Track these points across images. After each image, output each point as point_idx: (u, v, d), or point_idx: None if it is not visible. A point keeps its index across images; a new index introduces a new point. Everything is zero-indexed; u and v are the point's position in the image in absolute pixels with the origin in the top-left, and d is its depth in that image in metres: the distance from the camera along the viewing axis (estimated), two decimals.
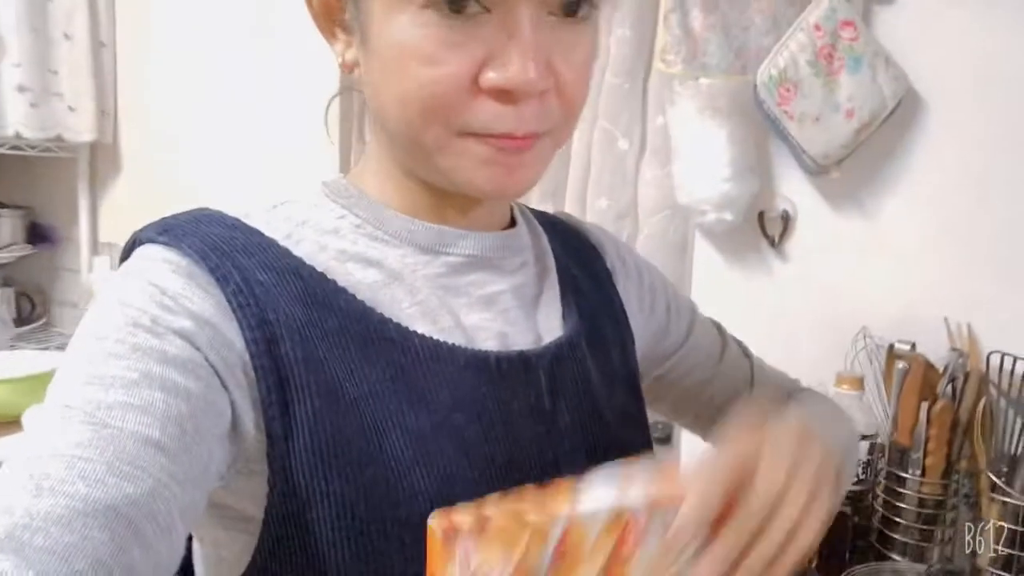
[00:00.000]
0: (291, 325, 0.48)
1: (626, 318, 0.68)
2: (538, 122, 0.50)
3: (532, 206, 0.71)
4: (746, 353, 0.80)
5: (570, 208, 1.49)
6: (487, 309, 0.57)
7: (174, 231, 0.50)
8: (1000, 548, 1.07)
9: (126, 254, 0.51)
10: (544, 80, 0.49)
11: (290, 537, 0.47)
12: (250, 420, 0.47)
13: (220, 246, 0.49)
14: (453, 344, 0.53)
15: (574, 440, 0.57)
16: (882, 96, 1.20)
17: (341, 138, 1.54)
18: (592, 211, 1.48)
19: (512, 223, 0.62)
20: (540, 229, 0.66)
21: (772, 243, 1.34)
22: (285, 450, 0.47)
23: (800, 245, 1.33)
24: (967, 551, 1.15)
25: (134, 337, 0.44)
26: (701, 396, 0.78)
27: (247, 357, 0.47)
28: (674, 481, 0.46)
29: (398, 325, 0.52)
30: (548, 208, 0.83)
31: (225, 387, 0.46)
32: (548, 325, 0.60)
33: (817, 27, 1.20)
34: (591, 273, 0.68)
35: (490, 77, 0.48)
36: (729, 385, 0.78)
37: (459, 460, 0.51)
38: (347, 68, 0.54)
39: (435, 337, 0.53)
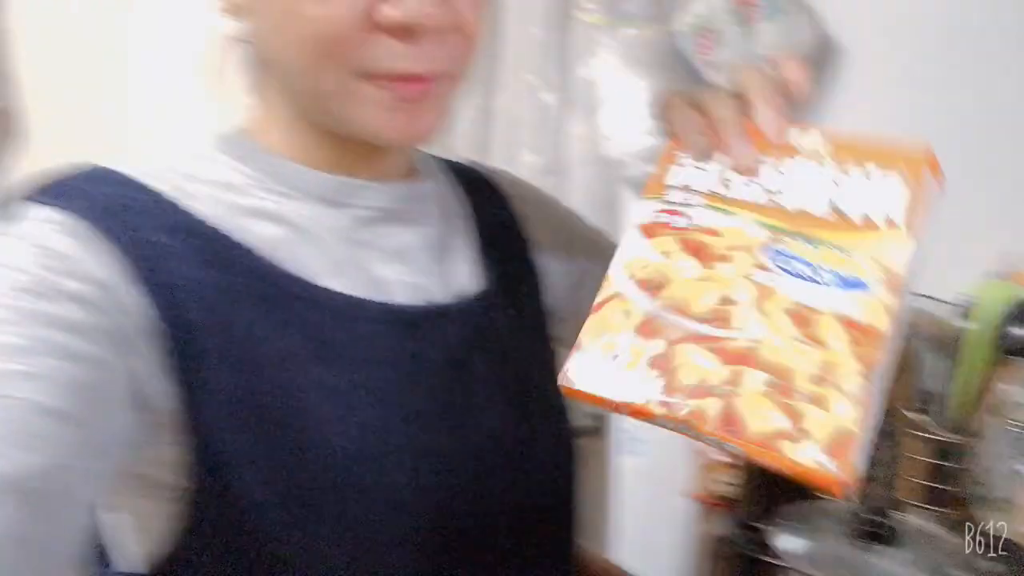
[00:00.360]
0: (193, 289, 0.47)
1: (535, 263, 0.68)
2: (438, 61, 0.49)
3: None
4: None
5: (498, 165, 1.47)
6: (397, 262, 0.56)
7: (62, 191, 0.47)
8: (919, 482, 1.12)
9: (9, 216, 0.48)
10: (443, 15, 0.48)
11: (217, 504, 0.47)
12: (157, 387, 0.46)
13: (112, 206, 0.47)
14: (365, 299, 0.53)
15: (490, 389, 0.57)
16: (800, 42, 1.20)
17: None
18: (519, 167, 1.46)
19: (416, 173, 0.61)
20: (445, 177, 0.65)
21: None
22: (199, 418, 0.46)
23: None
24: (890, 488, 1.19)
25: (25, 302, 0.42)
26: None
27: (147, 323, 0.45)
28: None
29: (306, 282, 0.51)
30: None
31: (126, 352, 0.44)
32: (459, 275, 0.60)
33: None
34: (499, 219, 0.67)
35: (386, 12, 0.46)
36: None
37: (378, 415, 0.51)
38: (231, 12, 0.52)
39: (346, 292, 0.52)
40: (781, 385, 0.41)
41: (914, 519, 1.03)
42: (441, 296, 0.57)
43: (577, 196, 1.46)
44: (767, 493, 1.17)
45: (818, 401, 0.40)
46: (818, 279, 0.44)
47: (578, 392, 0.47)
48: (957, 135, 1.21)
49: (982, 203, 1.21)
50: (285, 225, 0.52)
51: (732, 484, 1.26)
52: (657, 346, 0.45)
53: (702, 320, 0.45)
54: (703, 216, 0.49)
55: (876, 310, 0.42)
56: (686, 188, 0.51)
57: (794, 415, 0.41)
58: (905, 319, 0.44)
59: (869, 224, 0.45)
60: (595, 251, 0.73)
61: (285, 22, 0.47)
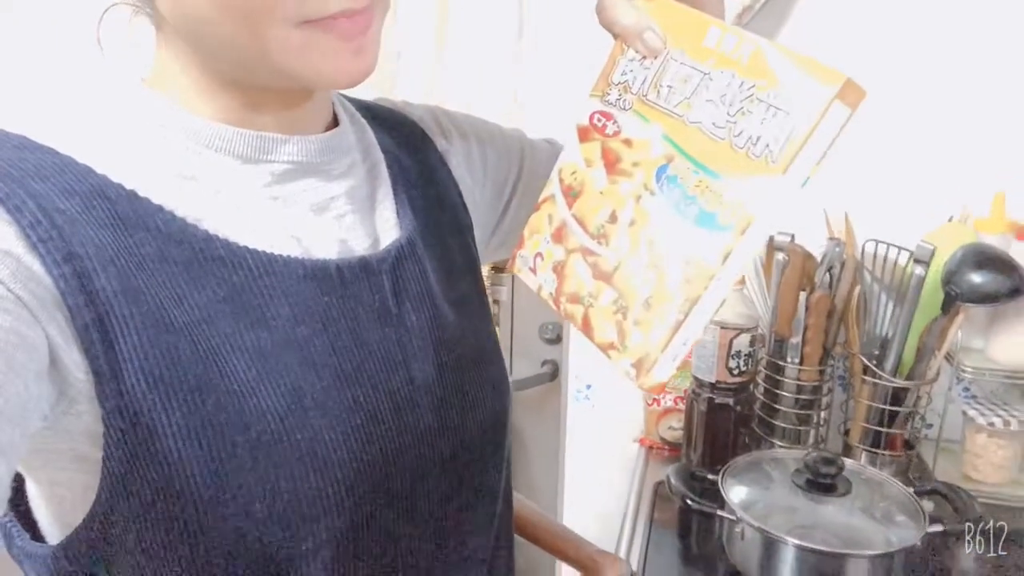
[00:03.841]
0: (103, 255, 0.45)
1: (461, 198, 0.68)
2: None
3: None
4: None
5: None
6: (320, 216, 0.55)
7: None
8: (869, 426, 1.12)
9: None
10: None
11: (136, 473, 0.45)
12: (70, 358, 0.44)
13: (8, 172, 0.44)
14: (288, 256, 0.51)
15: (421, 339, 0.57)
16: None
17: None
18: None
19: (335, 123, 0.59)
20: (364, 122, 0.63)
21: None
22: (116, 388, 0.44)
23: None
24: (841, 432, 1.19)
25: None
26: None
27: (57, 293, 0.43)
28: None
29: (226, 241, 0.49)
30: None
31: (37, 320, 0.42)
32: (384, 226, 0.59)
33: None
34: (420, 158, 0.66)
35: None
36: None
37: (306, 373, 0.50)
38: None
39: (268, 251, 0.50)
40: (622, 305, 0.51)
41: (862, 465, 1.03)
42: (366, 248, 0.56)
43: None
44: (714, 443, 1.16)
45: (641, 324, 0.50)
46: (682, 214, 0.49)
47: (517, 277, 0.59)
48: (913, 80, 1.19)
49: (943, 148, 1.20)
50: (202, 184, 0.50)
51: (679, 430, 1.25)
52: (559, 252, 0.56)
53: (592, 236, 0.54)
54: (627, 123, 0.53)
55: (716, 251, 0.47)
56: (624, 87, 0.54)
57: (622, 332, 0.51)
58: (755, 254, 0.50)
59: (750, 155, 0.47)
60: (509, 159, 0.74)
61: None
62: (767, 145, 0.46)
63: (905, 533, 0.88)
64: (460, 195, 0.68)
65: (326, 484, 0.49)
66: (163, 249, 0.47)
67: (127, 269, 0.45)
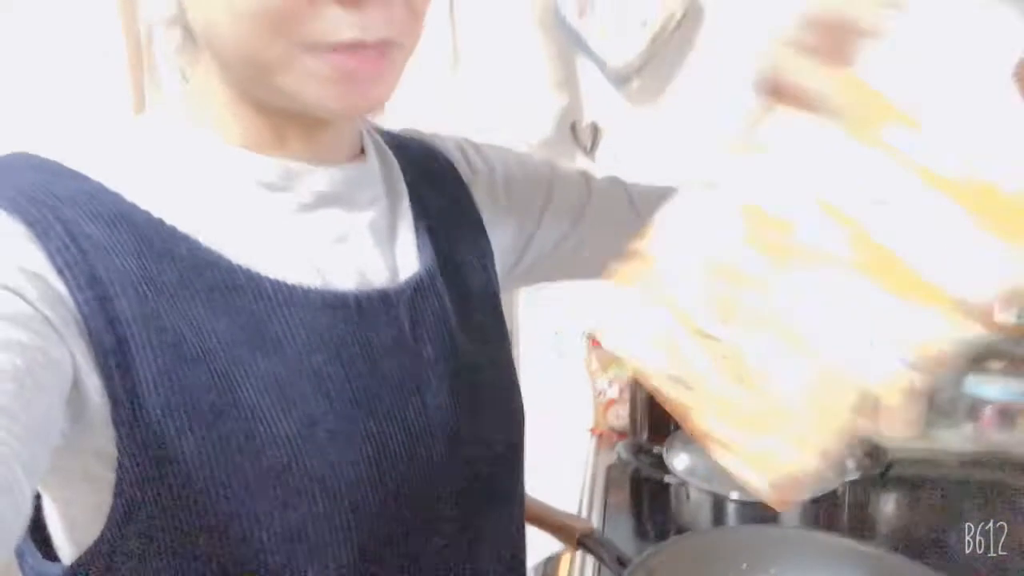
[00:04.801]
0: (125, 281, 0.45)
1: (484, 231, 0.67)
2: (387, 27, 0.47)
3: None
4: (617, 182, 0.78)
5: None
6: (341, 246, 0.55)
7: None
8: None
9: None
10: None
11: (147, 497, 0.46)
12: (91, 381, 0.45)
13: (38, 196, 0.45)
14: (308, 287, 0.52)
15: (437, 371, 0.57)
16: (669, 6, 1.30)
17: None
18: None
19: (361, 152, 0.60)
20: (390, 154, 0.64)
21: (585, 151, 1.43)
22: (131, 414, 0.45)
23: (610, 152, 1.43)
24: None
25: None
26: (583, 247, 0.75)
27: (80, 317, 0.44)
28: None
29: (248, 271, 0.50)
30: None
31: (63, 341, 0.43)
32: (404, 259, 0.59)
33: None
34: (445, 190, 0.66)
35: None
36: (608, 220, 0.74)
37: (320, 402, 0.50)
38: None
39: (288, 281, 0.51)
40: (752, 406, 0.44)
41: None
42: (385, 280, 0.56)
43: None
44: (659, 421, 1.27)
45: (778, 432, 0.43)
46: (848, 322, 0.43)
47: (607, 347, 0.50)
48: None
49: None
50: (227, 210, 0.51)
51: (627, 418, 1.37)
52: (674, 326, 0.47)
53: (709, 318, 0.46)
54: (800, 217, 0.45)
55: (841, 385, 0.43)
56: (775, 153, 0.47)
57: (750, 433, 0.44)
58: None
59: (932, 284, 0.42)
60: (535, 190, 0.72)
61: None
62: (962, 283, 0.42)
63: (828, 481, 1.01)
64: (482, 224, 0.67)
65: (335, 513, 0.50)
66: (185, 277, 0.48)
67: (148, 296, 0.46)
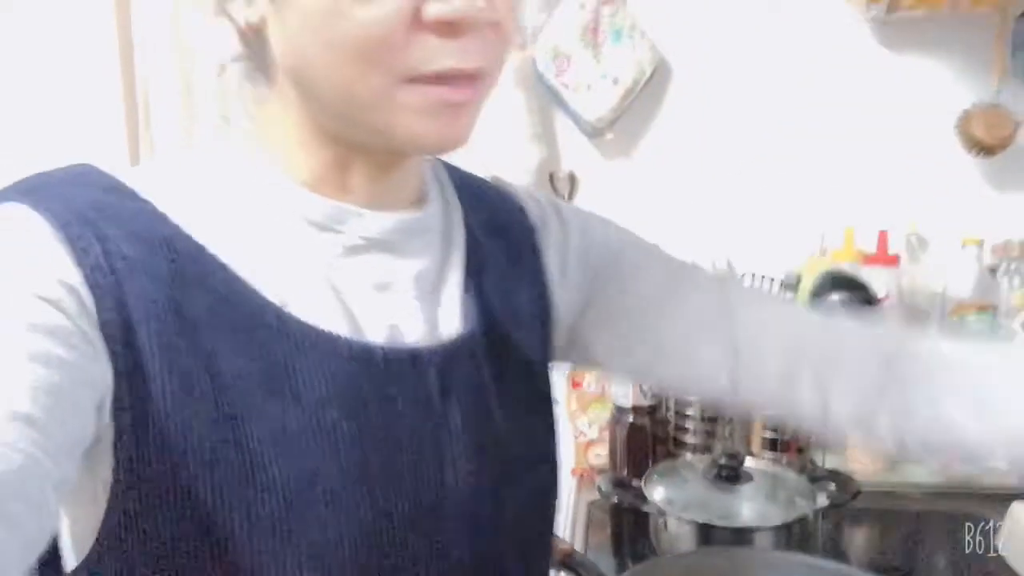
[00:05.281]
0: (150, 309, 0.44)
1: (547, 288, 0.63)
2: (482, 56, 0.47)
3: None
4: (725, 276, 0.76)
5: None
6: (380, 295, 0.52)
7: (40, 192, 0.45)
8: (767, 435, 1.30)
9: None
10: (491, 9, 0.46)
11: (129, 528, 0.45)
12: (107, 401, 0.44)
13: (86, 213, 0.44)
14: (337, 335, 0.49)
15: (464, 440, 0.53)
16: (640, 65, 1.38)
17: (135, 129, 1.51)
18: None
19: (424, 199, 0.57)
20: (455, 200, 0.60)
21: (564, 200, 1.50)
22: (132, 447, 0.44)
23: (587, 200, 1.50)
24: (744, 442, 1.37)
25: None
26: (645, 329, 0.65)
27: (104, 337, 0.44)
28: None
29: (279, 310, 0.48)
30: None
31: (97, 357, 0.43)
32: (447, 316, 0.55)
33: (582, 5, 1.36)
34: (510, 242, 0.62)
35: (435, 8, 0.44)
36: (692, 311, 0.65)
37: (326, 459, 0.48)
38: (251, 32, 0.49)
39: (318, 325, 0.49)
40: None
41: (765, 462, 1.20)
42: (420, 335, 0.53)
43: None
44: (637, 457, 1.31)
45: None
46: None
47: None
48: (776, 138, 1.43)
49: (803, 193, 1.44)
50: (268, 245, 0.49)
51: (606, 457, 1.40)
52: None
53: None
54: None
55: None
56: None
57: None
58: None
59: None
60: (606, 258, 0.65)
61: (324, 26, 0.44)
62: None
63: (800, 509, 1.05)
64: (546, 285, 0.62)
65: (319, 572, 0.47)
66: (214, 308, 0.46)
67: (170, 327, 0.45)
